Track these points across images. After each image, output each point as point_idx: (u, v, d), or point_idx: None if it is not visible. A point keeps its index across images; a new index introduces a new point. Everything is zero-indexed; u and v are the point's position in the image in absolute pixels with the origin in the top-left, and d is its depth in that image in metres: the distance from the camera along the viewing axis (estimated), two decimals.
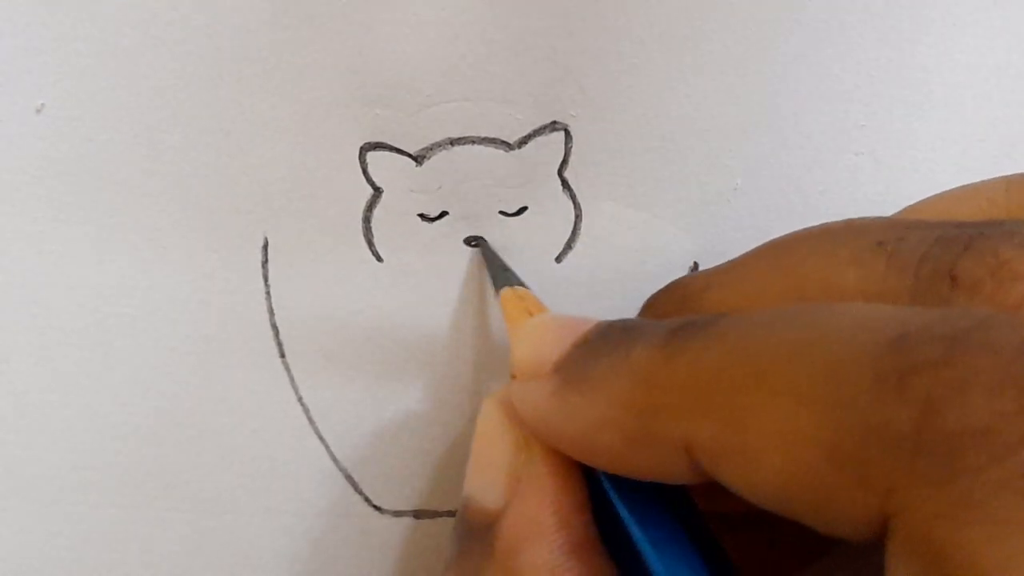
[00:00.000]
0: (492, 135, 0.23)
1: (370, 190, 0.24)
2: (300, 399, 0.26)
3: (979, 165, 0.24)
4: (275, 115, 0.23)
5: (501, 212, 0.24)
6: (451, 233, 0.24)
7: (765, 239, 0.24)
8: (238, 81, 0.23)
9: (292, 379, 0.26)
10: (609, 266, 0.25)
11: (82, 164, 0.23)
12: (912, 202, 0.24)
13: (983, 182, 0.18)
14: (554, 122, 0.23)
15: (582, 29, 0.22)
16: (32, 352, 0.25)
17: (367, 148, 0.23)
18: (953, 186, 0.24)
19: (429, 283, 0.25)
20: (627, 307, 0.25)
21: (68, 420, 0.26)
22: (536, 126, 0.23)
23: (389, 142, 0.23)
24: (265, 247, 0.24)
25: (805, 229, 0.16)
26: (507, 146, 0.23)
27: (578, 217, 0.24)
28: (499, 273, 0.23)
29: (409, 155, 0.23)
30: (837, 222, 0.16)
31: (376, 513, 0.28)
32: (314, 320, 0.25)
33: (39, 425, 0.26)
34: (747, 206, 0.24)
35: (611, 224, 0.24)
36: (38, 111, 0.23)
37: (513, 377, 0.17)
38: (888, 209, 0.24)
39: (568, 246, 0.25)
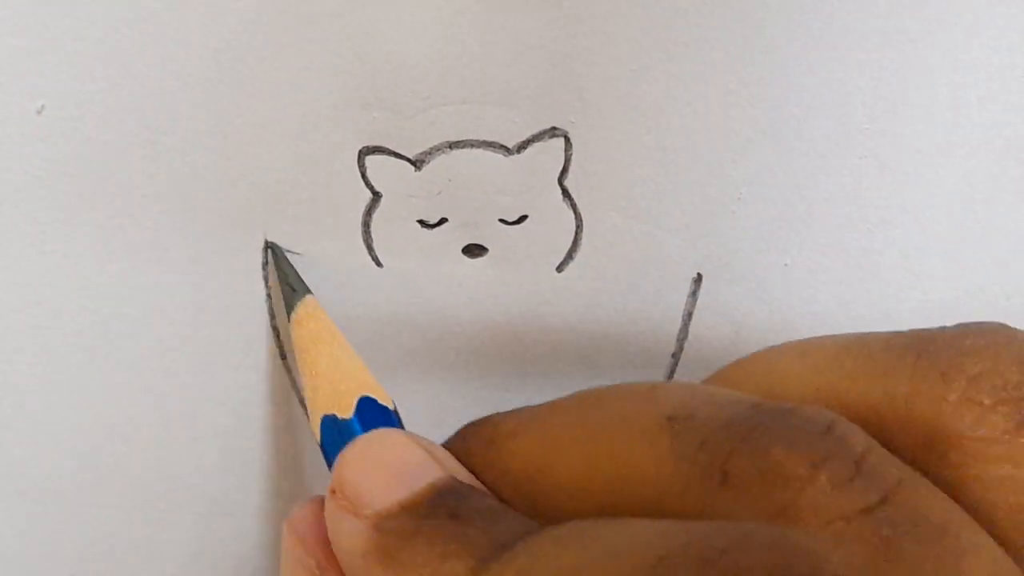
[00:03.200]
0: (491, 139, 0.23)
1: (369, 194, 0.24)
2: (302, 401, 0.26)
3: (985, 168, 0.24)
4: (274, 118, 0.23)
5: (501, 220, 0.24)
6: (451, 240, 0.24)
7: (770, 248, 0.24)
8: (237, 83, 0.22)
9: (293, 381, 0.26)
10: (610, 277, 0.25)
11: (82, 166, 0.23)
12: (914, 203, 0.24)
13: (824, 339, 0.17)
14: (553, 128, 0.23)
15: (582, 33, 0.22)
16: (32, 353, 0.25)
17: (365, 152, 0.23)
18: (952, 186, 0.24)
19: (429, 289, 0.25)
20: (628, 319, 0.25)
21: (68, 421, 0.26)
22: (535, 131, 0.23)
23: (388, 145, 0.23)
24: (265, 250, 0.24)
25: (609, 388, 0.16)
26: (506, 150, 0.23)
27: (579, 227, 0.24)
28: (288, 283, 0.23)
29: (408, 159, 0.23)
30: (640, 385, 0.16)
31: None
32: None
33: (39, 425, 0.26)
34: (751, 215, 0.24)
35: (612, 234, 0.24)
36: (38, 112, 0.23)
37: (332, 492, 0.16)
38: (892, 214, 0.24)
39: (569, 256, 0.24)
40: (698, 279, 0.25)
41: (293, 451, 0.27)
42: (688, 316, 0.25)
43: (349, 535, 0.15)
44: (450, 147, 0.23)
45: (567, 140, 0.23)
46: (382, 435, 0.17)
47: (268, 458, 0.27)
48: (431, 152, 0.23)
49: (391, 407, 0.19)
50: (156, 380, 0.26)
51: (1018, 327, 0.25)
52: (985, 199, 0.24)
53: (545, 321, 0.25)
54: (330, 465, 0.18)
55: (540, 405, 0.17)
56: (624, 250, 0.24)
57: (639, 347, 0.25)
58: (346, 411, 0.19)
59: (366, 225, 0.24)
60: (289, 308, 0.23)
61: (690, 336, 0.25)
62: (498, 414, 0.18)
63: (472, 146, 0.23)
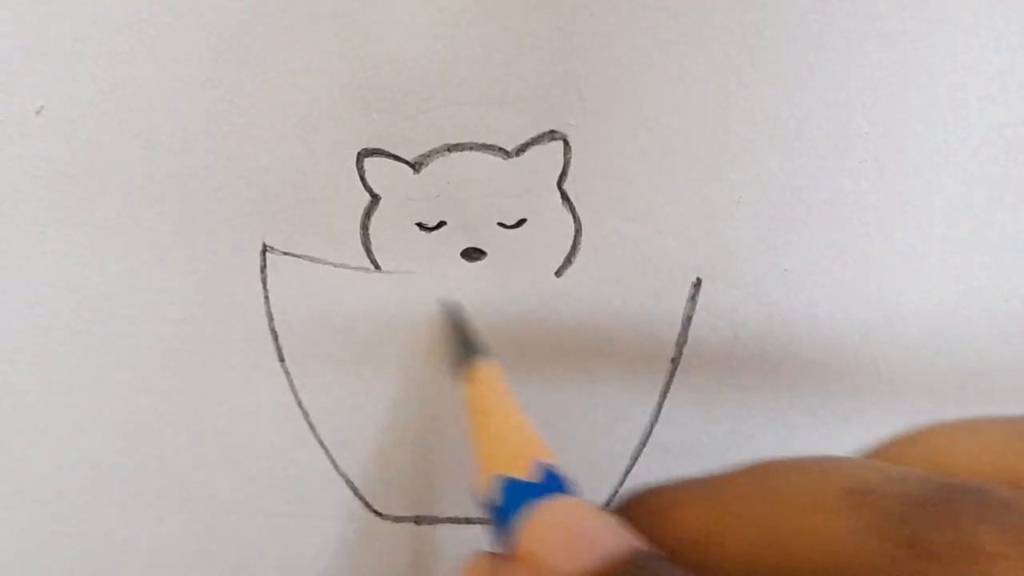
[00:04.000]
0: (490, 141, 0.23)
1: (368, 197, 0.24)
2: (300, 403, 0.26)
3: (984, 170, 0.24)
4: (273, 120, 0.23)
5: (500, 223, 0.24)
6: (449, 243, 0.24)
7: (769, 251, 0.24)
8: (237, 85, 0.22)
9: (291, 384, 0.26)
10: (610, 281, 0.25)
11: (81, 166, 0.23)
12: (912, 206, 0.24)
13: (996, 420, 0.18)
14: (552, 131, 0.23)
15: (581, 36, 0.22)
16: (32, 353, 0.25)
17: (365, 154, 0.23)
18: (951, 189, 0.24)
19: (428, 292, 0.25)
20: (627, 323, 0.25)
21: (68, 423, 0.26)
22: (534, 134, 0.23)
23: (387, 148, 0.23)
24: (263, 252, 0.24)
25: (782, 461, 0.16)
26: (505, 153, 0.23)
27: (578, 231, 0.24)
28: (468, 341, 0.23)
29: (407, 162, 0.23)
30: (814, 458, 0.16)
31: (376, 518, 0.28)
32: (313, 325, 0.25)
33: (40, 427, 0.26)
34: (750, 218, 0.24)
35: (611, 238, 0.24)
36: (38, 113, 0.23)
37: (518, 557, 0.16)
38: (892, 217, 0.24)
39: (568, 260, 0.24)
40: (697, 283, 0.25)
41: (293, 455, 0.27)
42: (687, 320, 0.25)
43: None
44: (449, 150, 0.23)
45: (566, 143, 0.23)
46: (569, 503, 0.17)
47: (267, 460, 0.27)
48: (430, 155, 0.23)
49: (570, 478, 0.20)
50: (156, 380, 0.26)
51: (1016, 331, 0.25)
52: (984, 202, 0.24)
53: (544, 325, 0.25)
54: (502, 524, 0.18)
55: (706, 476, 0.17)
56: (623, 254, 0.24)
57: (638, 352, 0.25)
58: (529, 474, 0.19)
59: (365, 228, 0.24)
60: (465, 365, 0.23)
61: (689, 340, 0.25)
62: (662, 484, 0.18)
63: (471, 149, 0.23)
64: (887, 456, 0.18)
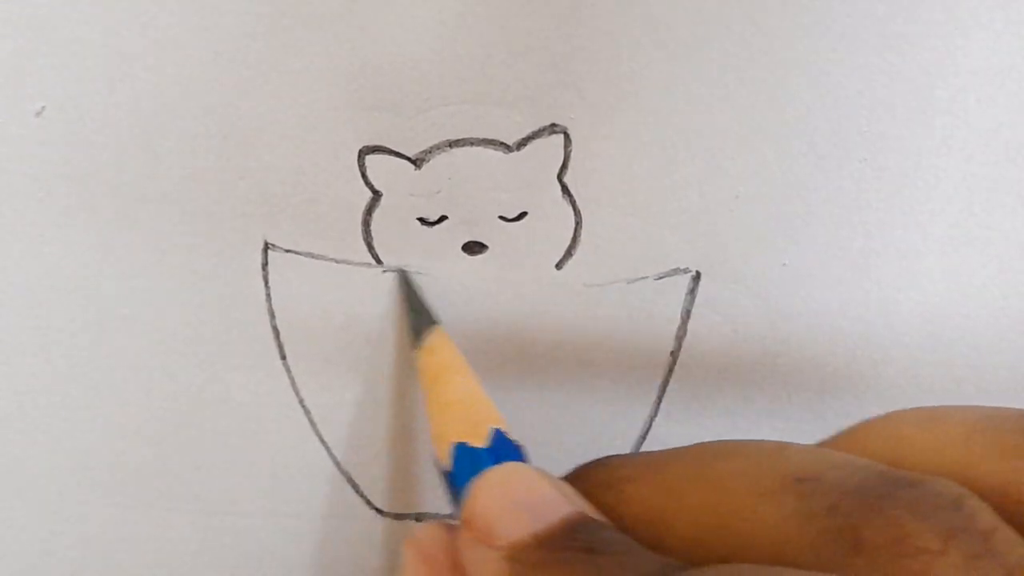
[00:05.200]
0: (491, 137, 0.23)
1: (369, 193, 0.24)
2: (301, 401, 0.26)
3: (984, 171, 0.24)
4: (274, 118, 0.23)
5: (501, 217, 0.24)
6: (451, 238, 0.24)
7: (767, 247, 0.24)
8: (237, 84, 0.22)
9: (293, 381, 0.26)
10: (609, 274, 0.25)
11: (82, 167, 0.23)
12: (912, 205, 0.24)
13: (952, 411, 0.18)
14: (553, 124, 0.23)
15: (581, 32, 0.22)
16: (32, 353, 0.25)
17: (366, 151, 0.23)
18: (951, 189, 0.24)
19: (429, 287, 0.25)
20: (626, 316, 0.25)
21: (69, 422, 0.26)
22: (535, 128, 0.23)
23: (388, 145, 0.23)
24: (265, 250, 0.24)
25: (733, 443, 0.17)
26: (506, 148, 0.23)
27: (578, 224, 0.24)
28: (416, 310, 0.23)
29: (408, 158, 0.23)
30: (763, 443, 0.16)
31: (378, 516, 0.28)
32: (315, 323, 0.25)
33: (40, 426, 0.26)
34: (749, 214, 0.24)
35: (611, 232, 0.24)
36: (38, 114, 0.23)
37: (465, 521, 0.16)
38: (891, 216, 0.24)
39: (568, 253, 0.24)
40: (696, 277, 0.25)
41: (294, 452, 0.27)
42: (687, 314, 0.25)
43: (483, 564, 0.16)
44: (450, 145, 0.23)
45: (567, 137, 0.23)
46: (514, 468, 0.17)
47: (268, 458, 0.27)
48: (431, 151, 0.23)
49: (519, 443, 0.20)
50: (156, 379, 0.26)
51: (1015, 330, 0.26)
52: (983, 202, 0.24)
53: (544, 318, 0.25)
54: (456, 491, 0.18)
55: (658, 452, 0.17)
56: (623, 247, 0.24)
57: (638, 344, 0.25)
58: (479, 440, 0.19)
59: (366, 224, 0.24)
60: (417, 335, 0.23)
61: (688, 334, 0.25)
62: (614, 456, 0.18)
63: (472, 144, 0.23)
64: (845, 443, 0.18)
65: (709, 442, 0.17)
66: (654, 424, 0.27)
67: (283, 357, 0.26)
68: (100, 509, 0.27)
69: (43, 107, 0.23)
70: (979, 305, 0.26)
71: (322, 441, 0.27)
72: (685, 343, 0.25)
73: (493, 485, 0.17)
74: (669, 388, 0.26)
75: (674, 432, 0.27)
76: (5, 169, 0.23)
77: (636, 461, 0.17)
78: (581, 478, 0.18)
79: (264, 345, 0.25)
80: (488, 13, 0.22)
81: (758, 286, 0.25)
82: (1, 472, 0.27)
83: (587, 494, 0.17)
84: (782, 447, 0.16)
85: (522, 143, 0.23)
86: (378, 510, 0.28)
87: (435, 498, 0.28)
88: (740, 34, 0.22)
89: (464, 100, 0.23)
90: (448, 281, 0.25)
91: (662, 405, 0.26)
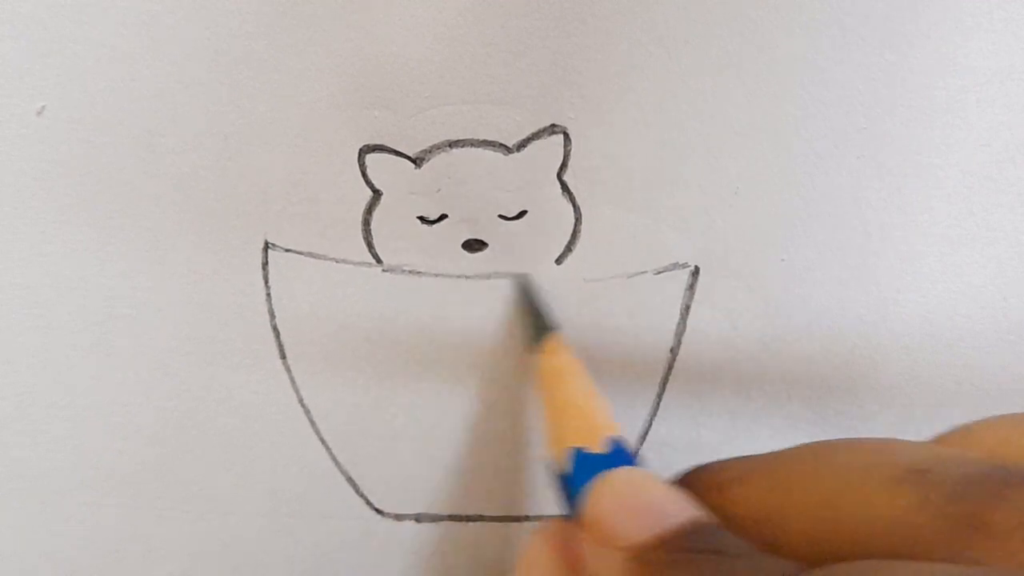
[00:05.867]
0: (491, 138, 0.23)
1: (369, 192, 0.24)
2: (301, 400, 0.26)
3: (982, 170, 0.24)
4: (274, 118, 0.23)
5: (501, 216, 0.24)
6: (451, 236, 0.24)
7: (766, 244, 0.24)
8: (237, 84, 0.22)
9: (293, 381, 0.26)
10: (609, 269, 0.25)
11: (82, 166, 0.23)
12: (911, 204, 0.24)
13: None
14: (553, 125, 0.23)
15: (581, 32, 0.22)
16: (32, 353, 0.25)
17: (366, 150, 0.23)
18: (950, 188, 0.24)
19: (429, 285, 0.25)
20: (625, 310, 0.25)
21: (69, 421, 0.26)
22: (535, 129, 0.23)
23: (388, 144, 0.23)
24: (265, 249, 0.24)
25: (842, 440, 0.17)
26: (506, 149, 0.23)
27: (578, 220, 0.24)
28: (538, 315, 0.24)
29: (408, 157, 0.23)
30: (872, 440, 0.17)
31: (377, 516, 0.28)
32: (315, 322, 0.25)
33: (40, 426, 0.26)
34: (747, 210, 0.24)
35: (611, 228, 0.24)
36: (38, 113, 0.23)
37: (586, 522, 0.17)
38: (889, 214, 0.24)
39: (568, 249, 0.25)
40: (695, 272, 0.25)
41: (294, 452, 0.27)
42: (686, 310, 0.25)
43: (605, 564, 0.16)
44: (450, 145, 0.23)
45: (566, 137, 0.23)
46: (634, 472, 0.18)
47: (268, 458, 0.27)
48: (431, 150, 0.23)
49: (634, 450, 0.20)
50: (157, 379, 0.26)
51: (1013, 329, 0.26)
52: (982, 201, 0.24)
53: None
54: (570, 494, 0.19)
55: (764, 454, 0.18)
56: (622, 243, 0.24)
57: (638, 341, 0.25)
58: (597, 446, 0.20)
59: (366, 223, 0.24)
60: (537, 339, 0.23)
61: (688, 329, 0.25)
62: (719, 461, 0.19)
63: (472, 145, 0.23)
64: (946, 443, 0.19)
65: (815, 442, 0.17)
66: (655, 422, 0.27)
67: (283, 357, 0.26)
68: (100, 509, 0.27)
69: (43, 107, 0.23)
70: (978, 304, 0.26)
71: (322, 441, 0.27)
72: (684, 339, 0.25)
73: (614, 488, 0.17)
74: (669, 383, 0.26)
75: (675, 429, 0.27)
76: (5, 169, 0.23)
77: (740, 464, 0.18)
78: (688, 482, 0.18)
79: (264, 345, 0.25)
80: (488, 13, 0.22)
81: (756, 282, 0.25)
82: (2, 472, 0.27)
83: (696, 497, 0.17)
84: (890, 443, 0.16)
85: (522, 144, 0.23)
86: (378, 510, 0.28)
87: (433, 499, 0.28)
88: (739, 32, 0.22)
89: (464, 100, 0.23)
90: (448, 278, 0.25)
91: (663, 401, 0.26)
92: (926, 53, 0.23)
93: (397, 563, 0.28)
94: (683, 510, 0.16)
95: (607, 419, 0.21)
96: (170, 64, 0.22)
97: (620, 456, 0.20)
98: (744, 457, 0.18)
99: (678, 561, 0.15)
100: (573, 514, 0.18)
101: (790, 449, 0.17)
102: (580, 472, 0.19)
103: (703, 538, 0.16)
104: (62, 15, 0.22)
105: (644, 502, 0.17)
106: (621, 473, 0.18)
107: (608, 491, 0.17)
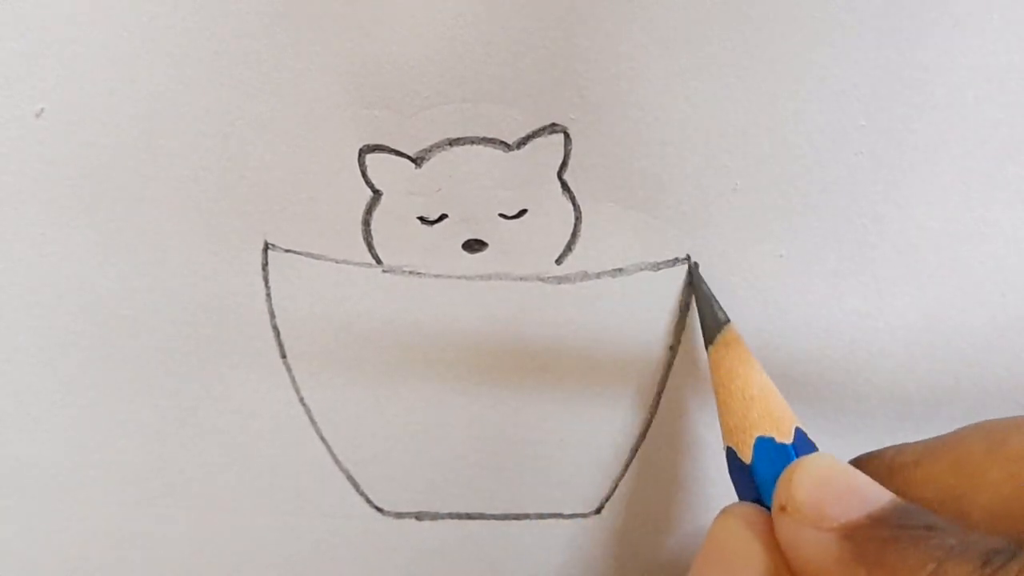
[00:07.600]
0: (491, 136, 0.23)
1: (369, 192, 0.24)
2: (302, 399, 0.26)
3: (980, 167, 0.24)
4: (274, 117, 0.23)
5: (501, 215, 0.24)
6: (451, 236, 0.24)
7: (765, 240, 0.25)
8: (237, 84, 0.22)
9: (293, 380, 0.26)
10: (609, 267, 0.25)
11: (82, 167, 0.23)
12: (910, 200, 0.24)
13: None
14: (553, 124, 0.23)
15: (581, 31, 0.22)
16: (32, 353, 0.25)
17: (366, 150, 0.23)
18: (948, 184, 0.24)
19: (429, 285, 0.25)
20: (625, 308, 0.25)
21: (69, 420, 0.26)
22: (535, 127, 0.23)
23: (388, 144, 0.23)
24: (265, 250, 0.24)
25: (1011, 420, 0.18)
26: (506, 147, 0.23)
27: (578, 219, 0.24)
28: (712, 307, 0.24)
29: (408, 157, 0.23)
30: None
31: (377, 514, 0.28)
32: (315, 322, 0.25)
33: (40, 425, 0.26)
34: (747, 207, 0.24)
35: (611, 225, 0.24)
36: (38, 115, 0.23)
37: (781, 508, 0.18)
38: (888, 212, 0.24)
39: (568, 248, 0.25)
40: (695, 267, 0.25)
41: (294, 451, 0.27)
42: (685, 306, 0.25)
43: (814, 544, 0.17)
44: (450, 144, 0.23)
45: (567, 136, 0.23)
46: (828, 459, 0.19)
47: (268, 456, 0.27)
48: (431, 150, 0.23)
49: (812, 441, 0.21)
50: (157, 378, 0.26)
51: (1012, 325, 0.26)
52: (981, 197, 0.24)
53: (545, 313, 0.25)
54: (754, 481, 0.20)
55: (934, 438, 0.19)
56: (622, 241, 0.24)
57: (638, 339, 0.26)
58: (783, 436, 0.21)
59: (366, 223, 0.24)
60: (711, 331, 0.24)
61: (687, 327, 0.25)
62: (889, 447, 0.20)
63: (472, 143, 0.23)
64: None
65: (988, 420, 0.18)
66: (655, 420, 0.27)
67: (283, 356, 0.26)
68: (100, 508, 0.27)
69: (43, 108, 0.23)
70: (977, 300, 0.26)
71: (322, 439, 0.27)
72: (684, 336, 0.26)
73: (815, 474, 0.18)
74: (669, 381, 0.26)
75: (675, 427, 0.27)
76: (5, 169, 0.23)
77: (915, 448, 0.19)
78: (870, 465, 0.19)
79: (264, 344, 0.26)
80: (488, 13, 0.22)
81: (755, 277, 0.25)
82: (2, 472, 0.27)
83: (878, 480, 0.18)
84: None
85: (522, 142, 0.23)
86: (378, 508, 0.28)
87: (434, 497, 0.28)
88: (738, 29, 0.22)
89: (464, 99, 0.23)
90: (449, 278, 0.25)
91: (663, 399, 0.26)
92: (924, 49, 0.23)
93: (397, 561, 0.28)
94: (883, 492, 0.17)
95: (787, 409, 0.21)
96: (170, 64, 0.22)
97: (805, 444, 0.21)
98: (914, 442, 0.19)
99: (896, 537, 0.16)
100: (761, 500, 0.19)
101: (960, 431, 0.18)
102: (767, 460, 0.20)
103: (911, 516, 0.16)
104: (62, 15, 0.22)
105: (848, 485, 0.17)
106: (817, 459, 0.18)
107: (809, 476, 0.18)
